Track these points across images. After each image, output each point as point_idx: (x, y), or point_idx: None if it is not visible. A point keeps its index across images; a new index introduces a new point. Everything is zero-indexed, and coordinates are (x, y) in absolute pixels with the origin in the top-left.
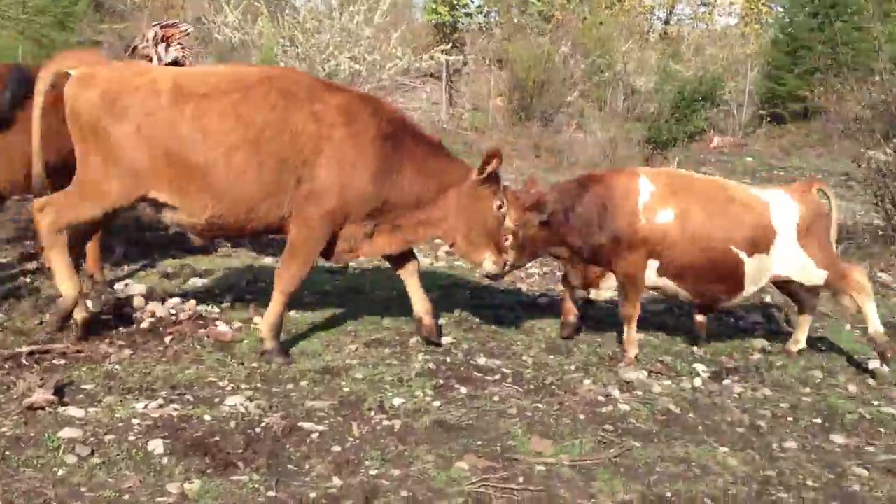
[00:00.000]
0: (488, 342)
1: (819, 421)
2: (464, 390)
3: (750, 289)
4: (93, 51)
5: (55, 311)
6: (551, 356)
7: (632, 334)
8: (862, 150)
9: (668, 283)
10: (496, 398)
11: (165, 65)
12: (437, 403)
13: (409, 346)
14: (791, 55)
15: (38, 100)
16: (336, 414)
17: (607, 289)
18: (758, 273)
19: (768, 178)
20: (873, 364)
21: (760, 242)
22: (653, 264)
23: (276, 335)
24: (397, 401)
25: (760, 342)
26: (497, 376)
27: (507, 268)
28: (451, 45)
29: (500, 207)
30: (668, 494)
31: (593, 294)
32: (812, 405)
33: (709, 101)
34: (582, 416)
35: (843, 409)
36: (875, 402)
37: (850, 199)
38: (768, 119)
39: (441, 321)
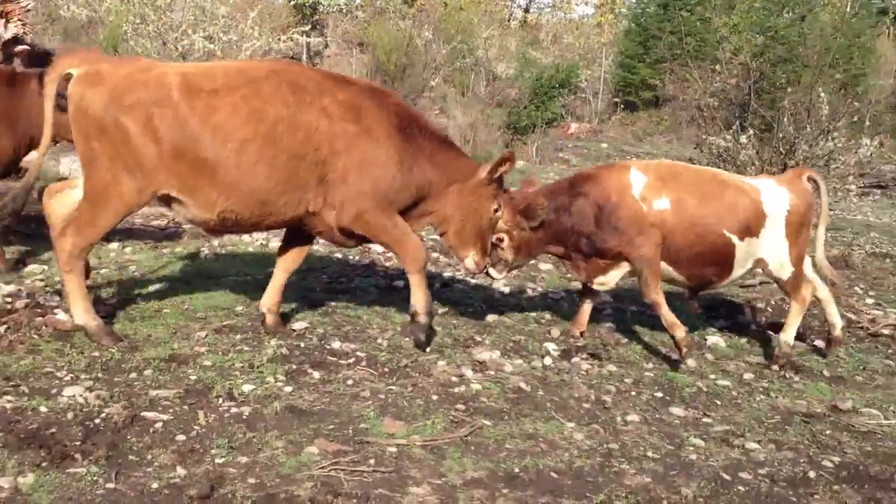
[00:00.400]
0: (344, 326)
1: (660, 395)
2: (317, 375)
3: (738, 272)
4: (94, 49)
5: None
6: (406, 339)
7: (668, 316)
8: (703, 137)
9: (665, 268)
10: (350, 382)
11: (4, 42)
12: (288, 389)
13: (261, 332)
14: (642, 45)
15: (49, 104)
16: (182, 403)
17: (613, 278)
18: (746, 257)
19: None
20: (711, 340)
21: (751, 226)
22: None
23: (430, 312)
24: (247, 387)
25: (608, 322)
26: (351, 360)
27: (504, 269)
28: (311, 26)
29: (496, 210)
30: (517, 470)
31: (597, 284)
32: (654, 380)
33: (565, 89)
34: (435, 397)
35: (682, 383)
36: (712, 376)
37: None
38: (622, 107)
39: (295, 305)
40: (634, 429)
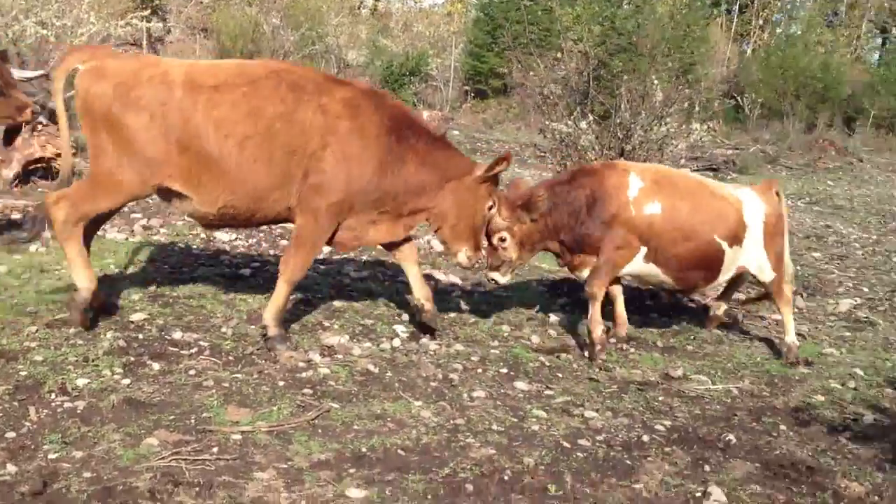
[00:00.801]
0: (185, 316)
1: (505, 370)
2: (157, 366)
3: (723, 277)
4: (102, 45)
5: (73, 304)
6: (252, 326)
7: (596, 314)
8: (547, 123)
9: (654, 269)
10: (192, 372)
11: None
12: (126, 381)
13: (96, 324)
14: (490, 34)
15: (59, 98)
16: (11, 399)
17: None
18: (731, 263)
19: (472, 150)
20: (554, 316)
21: (737, 235)
22: (640, 251)
23: (279, 322)
24: (81, 381)
25: (457, 302)
26: (194, 350)
27: (508, 270)
28: (150, 11)
29: (490, 208)
30: (364, 450)
31: (576, 275)
32: (500, 357)
33: (416, 77)
34: (281, 383)
35: (526, 359)
36: (553, 353)
37: (541, 167)
38: (472, 95)
39: (135, 296)
40: (480, 404)
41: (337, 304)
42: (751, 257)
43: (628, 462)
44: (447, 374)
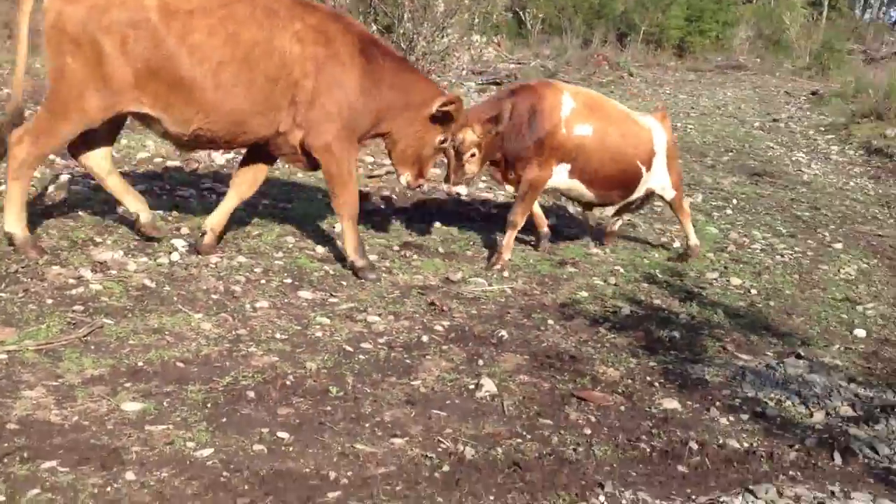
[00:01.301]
0: None
1: (289, 280)
2: None
3: (635, 196)
4: None
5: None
6: (11, 248)
7: (510, 240)
8: None
9: (577, 185)
10: None
11: None
12: None
13: None
14: None
15: (24, 21)
16: None
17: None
18: (644, 184)
19: None
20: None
21: (650, 159)
22: (565, 168)
23: (362, 253)
24: None
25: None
26: None
27: (469, 182)
28: None
29: (442, 142)
30: (141, 364)
31: (510, 190)
32: (284, 267)
33: None
34: (50, 301)
35: (310, 269)
36: (338, 262)
37: None
38: None
39: None
40: (263, 314)
41: (109, 220)
42: (657, 179)
43: (408, 361)
44: (229, 286)
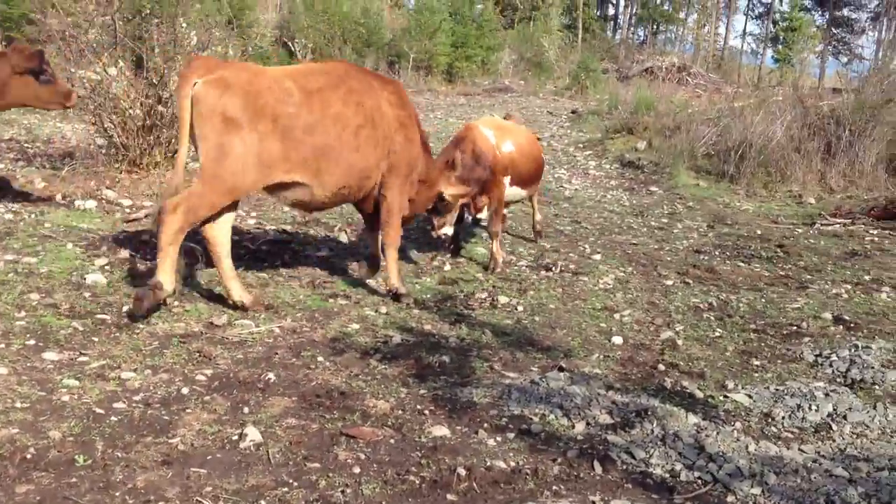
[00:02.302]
0: None
1: (33, 342)
2: None
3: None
4: (207, 57)
5: (147, 295)
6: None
7: (499, 246)
8: (73, 70)
9: (518, 190)
10: None
11: None
12: None
13: None
14: None
15: (186, 105)
16: None
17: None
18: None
19: None
20: (91, 278)
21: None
22: (508, 179)
23: (403, 282)
24: None
25: None
26: None
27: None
28: None
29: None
30: None
31: (481, 216)
32: (26, 328)
33: None
34: None
35: (57, 326)
36: (87, 316)
37: (77, 119)
38: (4, 44)
39: None
40: (2, 382)
41: None
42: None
43: (166, 418)
44: None
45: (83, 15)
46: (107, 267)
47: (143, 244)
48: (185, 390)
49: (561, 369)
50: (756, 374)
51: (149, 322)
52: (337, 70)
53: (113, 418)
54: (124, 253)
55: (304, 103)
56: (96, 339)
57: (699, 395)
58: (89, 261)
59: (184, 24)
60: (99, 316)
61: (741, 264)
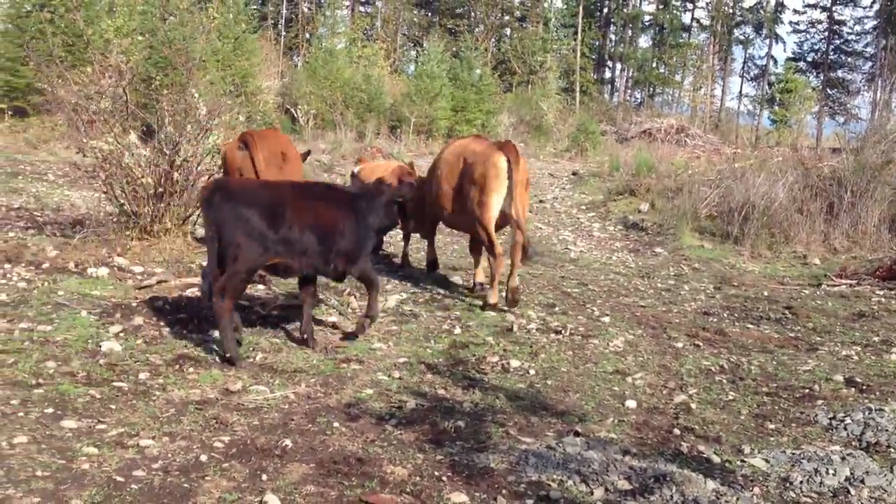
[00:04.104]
0: None
1: (51, 410)
2: None
3: None
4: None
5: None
6: None
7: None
8: (85, 141)
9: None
10: None
11: None
12: None
13: None
14: (23, 46)
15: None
16: None
17: None
18: None
19: (14, 174)
20: (105, 345)
21: None
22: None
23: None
24: None
25: None
26: None
27: None
28: None
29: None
30: None
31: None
32: (44, 396)
33: None
34: None
35: (74, 394)
36: (104, 385)
37: (91, 188)
38: (10, 113)
39: None
40: (22, 450)
41: None
42: None
43: (186, 485)
44: None
45: (95, 86)
46: (121, 334)
47: (155, 311)
48: (203, 457)
49: (577, 434)
50: (772, 438)
51: (164, 388)
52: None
53: (133, 486)
54: (138, 320)
55: (440, 174)
56: (114, 407)
57: (716, 459)
58: (103, 328)
59: (195, 94)
60: (115, 383)
61: (750, 326)
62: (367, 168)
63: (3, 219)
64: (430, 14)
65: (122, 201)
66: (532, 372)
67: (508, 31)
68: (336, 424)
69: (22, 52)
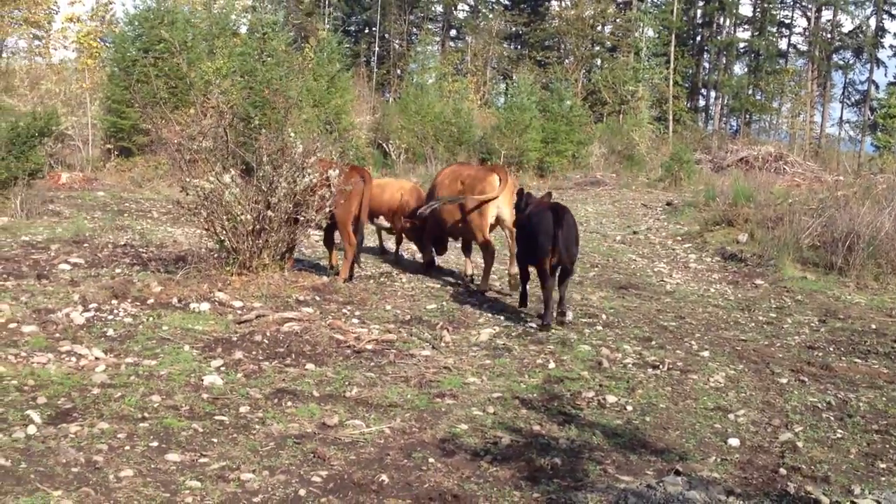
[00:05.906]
0: None
1: (156, 444)
2: None
3: None
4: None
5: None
6: None
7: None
8: (188, 179)
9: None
10: None
11: None
12: None
13: None
14: (128, 89)
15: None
16: None
17: None
18: None
19: (121, 211)
20: (208, 379)
21: None
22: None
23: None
24: None
25: (99, 376)
26: None
27: None
28: None
29: None
30: None
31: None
32: (149, 430)
33: (47, 137)
34: None
35: (178, 428)
36: (206, 418)
37: (193, 225)
38: (116, 153)
39: None
40: (128, 484)
41: None
42: None
43: None
44: (90, 456)
45: (197, 126)
46: (222, 368)
47: (254, 345)
48: (302, 492)
49: (678, 473)
50: (883, 478)
51: (264, 422)
52: (443, 174)
53: None
54: (238, 354)
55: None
56: (215, 440)
57: (825, 501)
58: (206, 362)
59: (291, 133)
60: (217, 417)
61: (858, 360)
62: (379, 185)
63: (110, 256)
64: (519, 47)
65: (222, 238)
66: (629, 408)
67: (599, 61)
68: (431, 460)
69: (127, 95)
